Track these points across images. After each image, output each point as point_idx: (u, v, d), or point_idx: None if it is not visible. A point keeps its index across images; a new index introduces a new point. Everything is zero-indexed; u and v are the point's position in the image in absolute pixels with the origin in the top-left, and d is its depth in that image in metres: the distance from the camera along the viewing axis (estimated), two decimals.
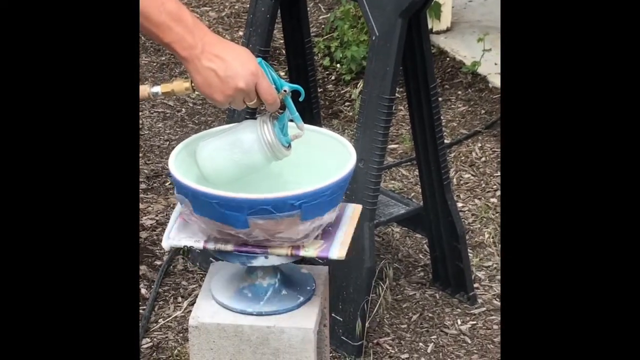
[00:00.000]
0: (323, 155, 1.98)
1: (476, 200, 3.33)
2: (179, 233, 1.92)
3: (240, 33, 4.20)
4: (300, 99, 1.92)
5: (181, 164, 1.91)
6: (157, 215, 3.25)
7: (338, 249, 1.89)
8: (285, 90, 1.86)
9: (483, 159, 3.55)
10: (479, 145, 3.61)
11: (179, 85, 1.88)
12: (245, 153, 1.88)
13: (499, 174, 3.46)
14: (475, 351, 2.75)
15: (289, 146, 1.91)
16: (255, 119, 1.90)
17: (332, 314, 2.67)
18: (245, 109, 1.90)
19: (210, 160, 1.91)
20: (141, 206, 3.26)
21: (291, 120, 1.91)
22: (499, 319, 2.84)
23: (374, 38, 2.59)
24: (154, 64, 4.19)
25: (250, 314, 1.94)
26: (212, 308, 1.97)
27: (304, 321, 1.93)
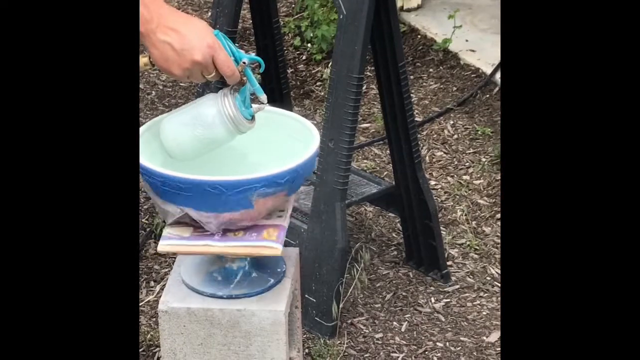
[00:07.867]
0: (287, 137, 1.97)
1: (449, 178, 3.33)
2: None
3: (210, 14, 4.17)
4: (261, 70, 1.90)
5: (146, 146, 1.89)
6: None
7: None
8: (244, 62, 1.84)
9: (455, 136, 3.54)
10: (451, 122, 3.61)
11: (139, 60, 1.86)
12: (207, 128, 1.86)
13: (471, 151, 3.45)
14: (449, 329, 2.75)
15: (253, 119, 1.89)
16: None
17: (306, 295, 2.66)
18: (215, 85, 1.87)
19: (173, 136, 1.89)
20: None
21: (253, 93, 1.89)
22: (473, 296, 2.85)
23: (341, 17, 2.57)
24: None
25: (221, 297, 1.93)
26: (182, 292, 1.95)
27: (274, 303, 1.93)
